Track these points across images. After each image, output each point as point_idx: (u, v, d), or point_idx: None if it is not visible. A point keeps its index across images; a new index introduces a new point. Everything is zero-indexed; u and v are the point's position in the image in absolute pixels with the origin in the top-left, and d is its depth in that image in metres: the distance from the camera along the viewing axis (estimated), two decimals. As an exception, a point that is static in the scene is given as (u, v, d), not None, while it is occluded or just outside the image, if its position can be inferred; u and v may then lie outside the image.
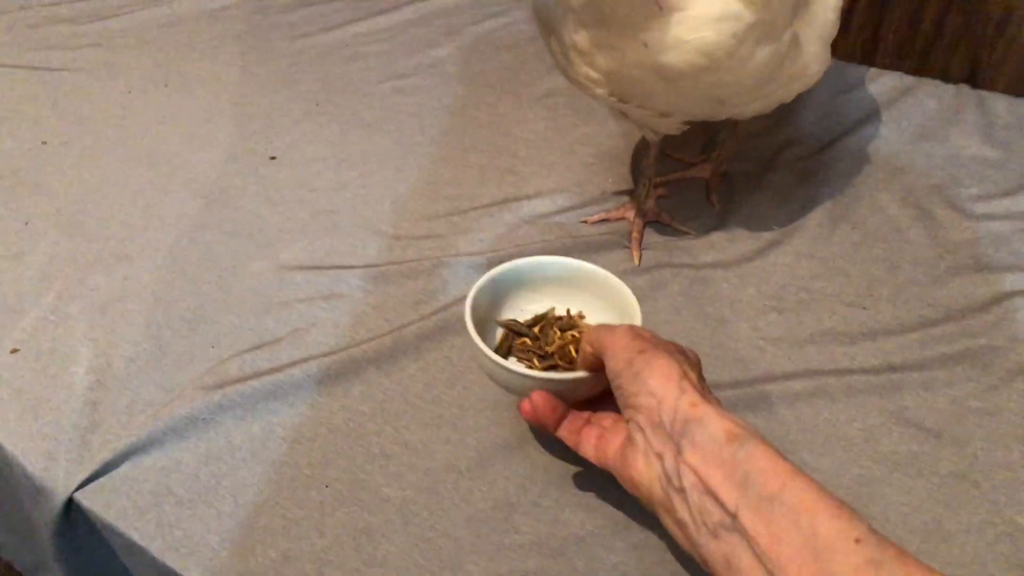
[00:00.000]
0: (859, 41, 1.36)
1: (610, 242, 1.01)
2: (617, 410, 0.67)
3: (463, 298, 0.92)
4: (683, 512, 0.56)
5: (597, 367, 0.67)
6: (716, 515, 0.54)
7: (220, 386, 0.84)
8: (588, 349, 0.67)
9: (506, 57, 1.36)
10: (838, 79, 1.25)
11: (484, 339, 0.73)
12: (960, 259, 0.96)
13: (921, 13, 1.29)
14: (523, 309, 0.82)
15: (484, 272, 0.95)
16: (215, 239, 1.04)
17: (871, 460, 0.76)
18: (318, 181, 1.12)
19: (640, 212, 1.02)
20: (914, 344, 0.86)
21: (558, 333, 0.79)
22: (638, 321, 0.74)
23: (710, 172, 1.09)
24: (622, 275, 0.94)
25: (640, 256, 0.98)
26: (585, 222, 1.04)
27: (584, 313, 0.81)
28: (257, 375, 0.86)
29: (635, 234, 1.00)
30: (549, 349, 0.77)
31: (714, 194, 1.07)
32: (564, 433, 0.70)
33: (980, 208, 1.02)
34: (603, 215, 1.05)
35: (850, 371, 0.84)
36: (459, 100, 1.27)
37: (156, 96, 1.31)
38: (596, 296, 0.80)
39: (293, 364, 0.87)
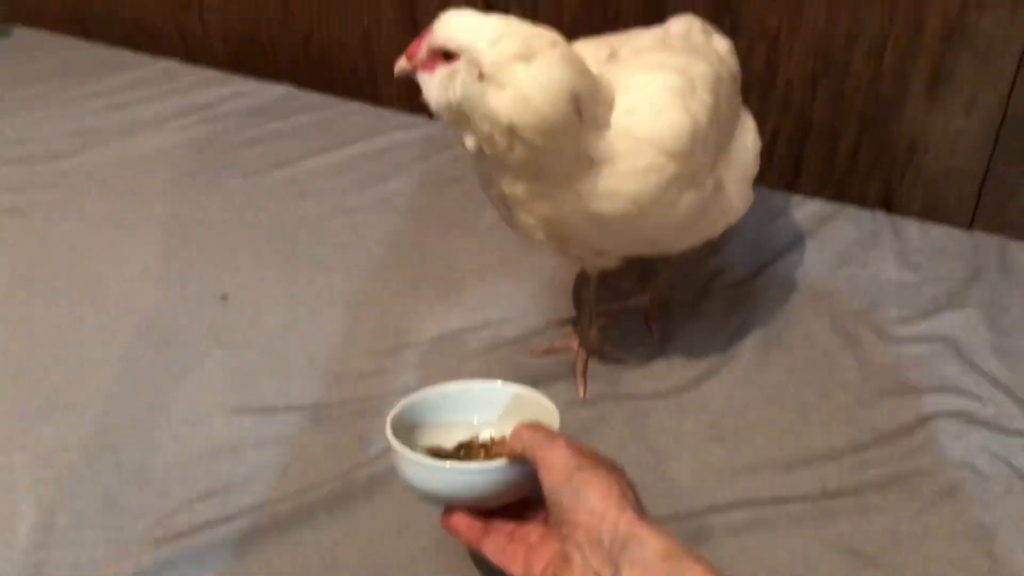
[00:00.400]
0: (783, 170, 1.45)
1: (556, 373, 1.04)
2: (540, 522, 0.69)
3: (412, 438, 0.94)
4: None
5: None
6: None
7: (169, 540, 0.84)
8: (518, 449, 0.67)
9: (453, 190, 1.42)
10: (764, 206, 1.33)
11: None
12: (885, 382, 1.01)
13: (837, 144, 1.39)
14: (447, 434, 0.80)
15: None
16: (164, 383, 1.05)
17: (812, 590, 0.79)
18: (268, 320, 1.15)
19: (584, 343, 1.06)
20: (846, 469, 0.90)
21: (483, 455, 0.77)
22: (556, 427, 0.73)
23: (648, 302, 1.14)
24: (568, 407, 0.98)
25: (585, 388, 1.01)
26: (532, 352, 1.08)
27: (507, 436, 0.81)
28: (208, 524, 0.86)
29: (580, 365, 1.04)
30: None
31: (653, 323, 1.12)
32: (489, 551, 0.70)
33: (901, 331, 1.08)
34: (549, 346, 1.09)
35: (788, 499, 0.87)
36: (408, 234, 1.32)
37: (109, 237, 1.33)
38: (518, 413, 0.79)
39: (243, 513, 0.87)
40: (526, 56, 0.75)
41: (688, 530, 0.84)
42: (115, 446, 0.96)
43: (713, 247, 1.24)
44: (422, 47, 0.77)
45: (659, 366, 1.05)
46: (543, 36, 0.77)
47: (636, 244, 0.91)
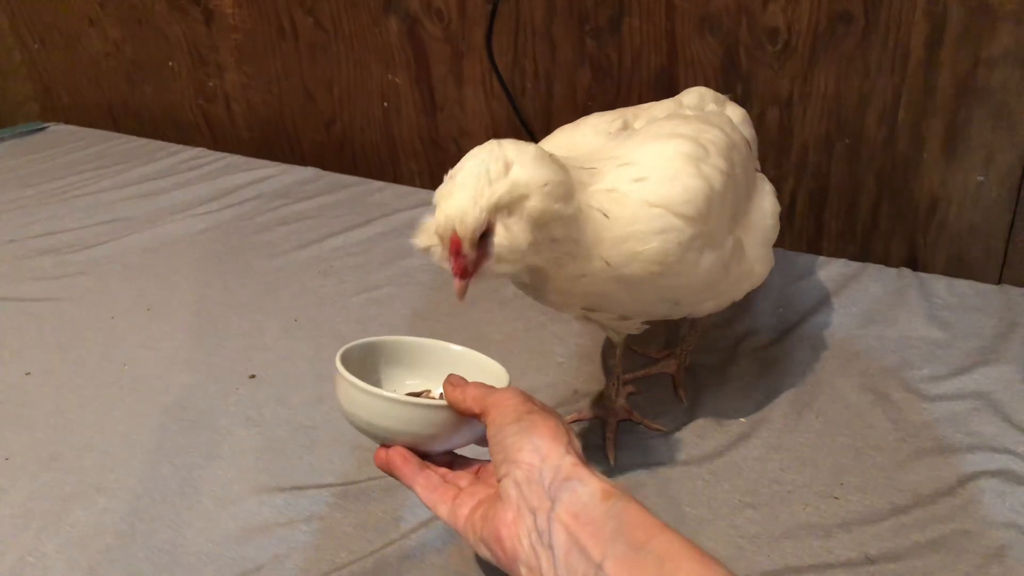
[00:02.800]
0: (804, 231, 1.46)
1: (585, 442, 1.03)
2: (471, 472, 0.71)
3: (443, 513, 0.93)
4: (548, 569, 0.57)
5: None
6: (581, 568, 0.55)
7: (200, 624, 0.83)
8: (468, 403, 0.69)
9: (475, 263, 1.43)
10: (788, 268, 1.33)
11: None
12: (921, 442, 0.99)
13: (856, 204, 1.40)
14: (398, 386, 0.82)
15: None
16: (195, 464, 1.05)
17: (860, 661, 0.76)
18: (296, 397, 1.15)
19: (612, 411, 1.05)
20: (888, 533, 0.88)
21: None
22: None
23: (675, 367, 1.13)
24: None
25: (615, 456, 1.00)
26: (559, 423, 1.07)
27: None
28: (238, 608, 0.85)
29: (609, 434, 1.03)
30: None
31: (680, 388, 1.11)
32: (420, 489, 0.72)
33: (934, 389, 1.06)
34: (576, 415, 1.08)
35: (829, 566, 0.84)
36: (432, 307, 1.33)
37: (138, 321, 1.35)
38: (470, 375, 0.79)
39: (274, 594, 0.86)
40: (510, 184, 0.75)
41: (728, 601, 0.81)
42: (146, 529, 0.96)
43: (738, 310, 1.24)
44: (463, 255, 0.75)
45: (689, 433, 1.04)
46: (505, 181, 0.75)
47: (661, 305, 0.91)
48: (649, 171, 0.84)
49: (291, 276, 1.45)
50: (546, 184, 0.76)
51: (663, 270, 0.84)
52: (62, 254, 1.56)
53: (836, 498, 0.93)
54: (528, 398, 0.67)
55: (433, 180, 1.79)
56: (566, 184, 0.79)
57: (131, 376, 1.23)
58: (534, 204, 0.76)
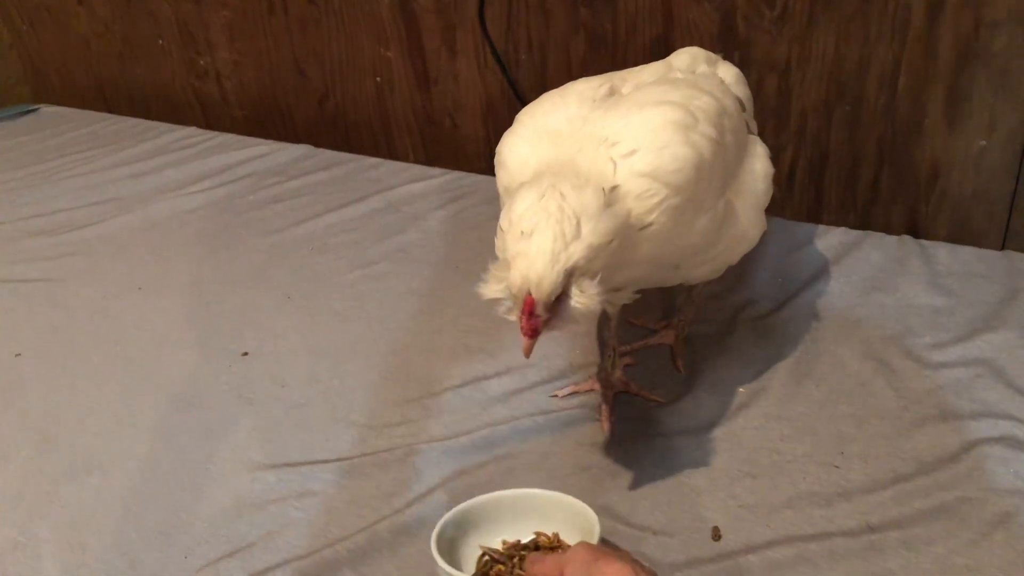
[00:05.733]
0: (804, 200, 1.43)
1: (581, 416, 1.02)
2: None
3: (437, 487, 0.93)
4: None
5: None
6: None
7: (192, 601, 0.82)
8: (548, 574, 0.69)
9: (470, 238, 1.42)
10: (787, 238, 1.31)
11: (461, 563, 0.78)
12: (924, 409, 0.97)
13: (857, 171, 1.37)
14: (496, 539, 0.82)
15: (457, 457, 0.96)
16: (187, 442, 1.04)
17: (862, 630, 0.75)
18: (290, 375, 1.14)
19: (608, 383, 1.04)
20: (890, 501, 0.86)
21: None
22: (597, 537, 0.76)
23: (673, 338, 1.12)
24: (595, 449, 0.95)
25: (611, 428, 0.99)
26: (555, 396, 1.05)
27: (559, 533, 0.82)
28: (231, 585, 0.84)
29: (605, 406, 1.01)
30: None
31: (678, 359, 1.09)
32: None
33: (936, 356, 1.04)
34: (572, 388, 1.06)
35: (830, 535, 0.83)
36: (427, 283, 1.31)
37: (130, 301, 1.34)
38: (560, 521, 0.82)
39: (267, 570, 0.85)
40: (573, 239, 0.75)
41: (726, 570, 0.80)
42: (139, 509, 0.95)
43: (737, 280, 1.22)
44: (536, 316, 0.75)
45: (687, 403, 1.02)
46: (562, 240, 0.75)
47: (660, 271, 0.90)
48: (638, 143, 0.82)
49: (285, 253, 1.43)
50: (612, 241, 0.77)
51: (665, 237, 0.83)
52: (53, 235, 1.54)
53: (837, 467, 0.91)
54: (596, 549, 0.67)
55: (427, 155, 1.78)
56: (623, 227, 0.79)
57: (123, 356, 1.21)
58: (603, 261, 0.76)
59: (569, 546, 0.80)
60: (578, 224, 0.75)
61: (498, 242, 0.79)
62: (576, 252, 0.74)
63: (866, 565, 0.80)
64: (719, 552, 0.83)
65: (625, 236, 0.79)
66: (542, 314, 0.75)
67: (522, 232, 0.75)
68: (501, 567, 0.79)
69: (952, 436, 0.93)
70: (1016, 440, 0.91)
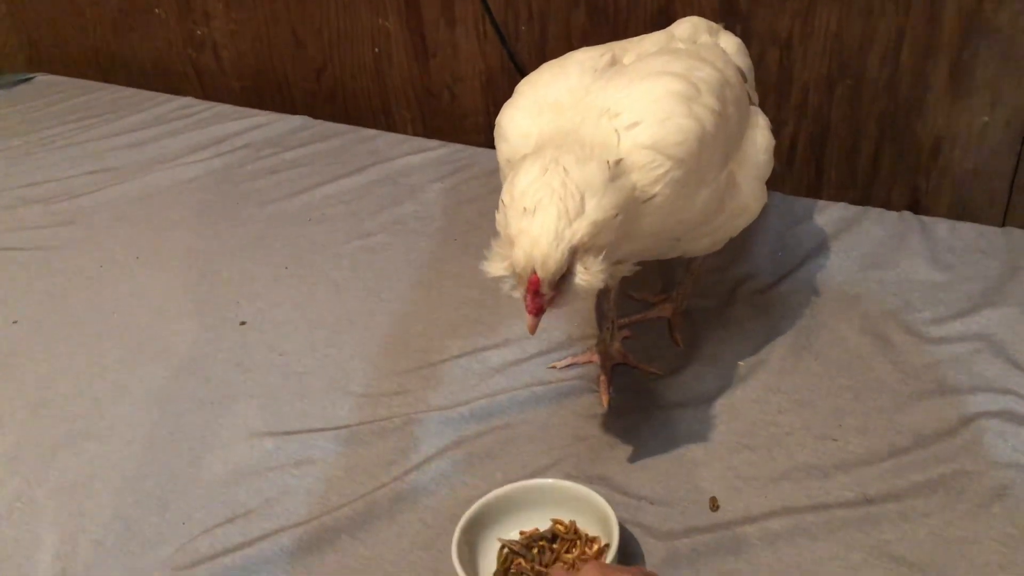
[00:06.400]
0: (804, 176, 1.43)
1: (579, 387, 1.02)
2: None
3: (435, 456, 0.93)
4: None
5: None
6: None
7: (190, 566, 0.82)
8: None
9: (468, 210, 1.41)
10: (787, 213, 1.31)
11: (480, 554, 0.80)
12: (923, 384, 0.97)
13: (858, 147, 1.37)
14: (514, 530, 0.83)
15: (455, 427, 0.96)
16: (185, 410, 1.04)
17: (857, 599, 0.75)
18: (287, 344, 1.13)
19: (606, 355, 1.04)
20: (887, 474, 0.86)
21: (550, 554, 0.80)
22: (615, 530, 0.77)
23: (672, 311, 1.12)
24: (593, 420, 0.96)
25: (610, 399, 0.99)
26: (554, 367, 1.05)
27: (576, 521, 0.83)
28: (228, 551, 0.84)
29: (603, 377, 1.01)
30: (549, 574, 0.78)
31: (677, 332, 1.09)
32: None
33: (936, 331, 1.04)
34: (571, 360, 1.06)
35: (827, 506, 0.83)
36: (425, 255, 1.31)
37: (127, 270, 1.33)
38: (576, 511, 0.83)
39: (265, 537, 0.85)
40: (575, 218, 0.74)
41: (723, 540, 0.81)
42: (136, 475, 0.95)
43: (736, 254, 1.22)
44: (541, 294, 0.75)
45: (686, 375, 1.02)
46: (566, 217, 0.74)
47: (661, 243, 0.90)
48: (641, 114, 0.82)
49: (282, 224, 1.42)
50: (616, 215, 0.76)
51: (670, 209, 0.83)
52: (50, 203, 1.53)
53: (835, 440, 0.91)
54: (607, 567, 0.67)
55: (426, 128, 1.77)
56: (628, 201, 0.78)
57: (120, 324, 1.21)
58: (608, 237, 0.76)
59: (587, 535, 0.81)
60: (582, 200, 0.74)
61: (499, 217, 0.78)
62: (580, 230, 0.73)
63: (862, 536, 0.80)
64: (716, 522, 0.83)
65: (629, 209, 0.78)
66: (547, 292, 0.75)
67: (525, 209, 0.74)
68: (521, 560, 0.80)
69: (950, 410, 0.93)
70: (1014, 414, 0.91)
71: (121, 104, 1.93)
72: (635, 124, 0.81)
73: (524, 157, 0.81)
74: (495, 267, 0.78)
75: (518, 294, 0.77)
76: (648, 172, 0.80)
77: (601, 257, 0.75)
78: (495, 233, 0.78)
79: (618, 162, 0.78)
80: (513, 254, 0.74)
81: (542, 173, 0.75)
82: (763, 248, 1.24)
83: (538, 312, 0.76)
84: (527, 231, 0.73)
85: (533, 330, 0.77)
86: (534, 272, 0.73)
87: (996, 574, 0.76)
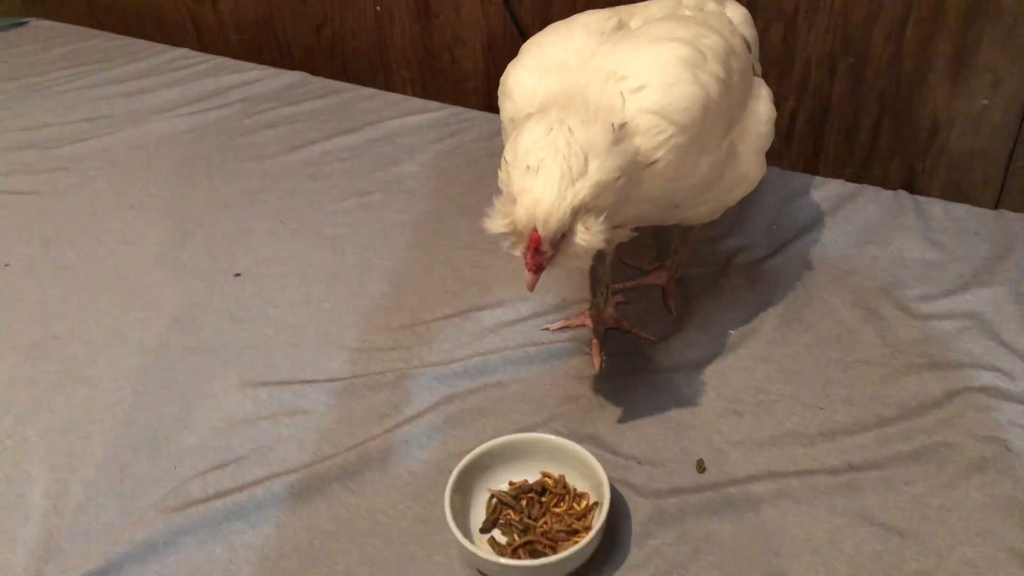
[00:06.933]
0: (802, 151, 1.43)
1: (571, 349, 1.03)
2: None
3: (427, 410, 0.94)
4: None
5: None
6: None
7: (182, 508, 0.83)
8: None
9: (466, 173, 1.41)
10: (783, 187, 1.31)
11: (471, 503, 0.81)
12: (910, 358, 0.99)
13: (857, 125, 1.37)
14: (505, 480, 0.85)
15: (448, 383, 0.97)
16: (178, 357, 1.04)
17: (838, 562, 0.77)
18: (282, 297, 1.14)
19: (600, 319, 1.05)
20: (872, 443, 0.88)
21: (538, 507, 0.82)
22: (606, 490, 0.78)
23: (666, 279, 1.12)
24: (584, 381, 0.96)
25: (601, 362, 1.00)
26: (547, 329, 1.06)
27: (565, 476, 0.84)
28: (220, 495, 0.85)
29: (595, 340, 1.02)
30: (537, 527, 0.80)
31: (670, 300, 1.10)
32: None
33: (925, 308, 1.06)
34: (564, 322, 1.07)
35: (811, 472, 0.85)
36: (422, 215, 1.31)
37: (122, 218, 1.32)
38: (566, 466, 0.84)
39: (257, 483, 0.86)
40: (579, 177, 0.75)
41: (708, 501, 0.82)
42: (129, 419, 0.95)
43: (731, 226, 1.22)
44: (542, 252, 0.75)
45: (677, 342, 1.03)
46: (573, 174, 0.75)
47: (661, 209, 0.90)
48: (647, 79, 0.82)
49: (278, 179, 1.41)
50: (619, 178, 0.76)
51: (673, 175, 0.83)
52: (44, 148, 1.51)
53: (822, 408, 0.93)
54: None
55: (425, 90, 1.76)
56: (631, 164, 0.78)
57: (114, 271, 1.20)
58: (609, 199, 0.76)
59: (576, 490, 0.83)
60: (586, 161, 0.74)
61: (502, 175, 0.78)
62: (583, 190, 0.74)
63: (845, 501, 0.82)
64: (703, 483, 0.84)
65: (631, 173, 0.79)
66: (547, 250, 0.75)
67: (528, 167, 0.74)
68: (510, 511, 0.81)
69: (936, 384, 0.95)
70: (999, 390, 0.93)
71: (116, 52, 1.90)
72: (641, 88, 0.81)
73: (528, 116, 0.81)
74: (496, 224, 0.78)
75: (518, 252, 0.77)
76: (652, 137, 0.81)
77: (602, 218, 0.76)
78: (494, 195, 0.79)
79: (622, 125, 0.79)
80: (515, 211, 0.75)
81: (547, 132, 0.76)
82: (758, 221, 1.24)
83: (538, 270, 0.76)
84: (530, 189, 0.74)
85: (532, 287, 0.78)
86: (535, 230, 0.74)
87: (973, 540, 0.78)
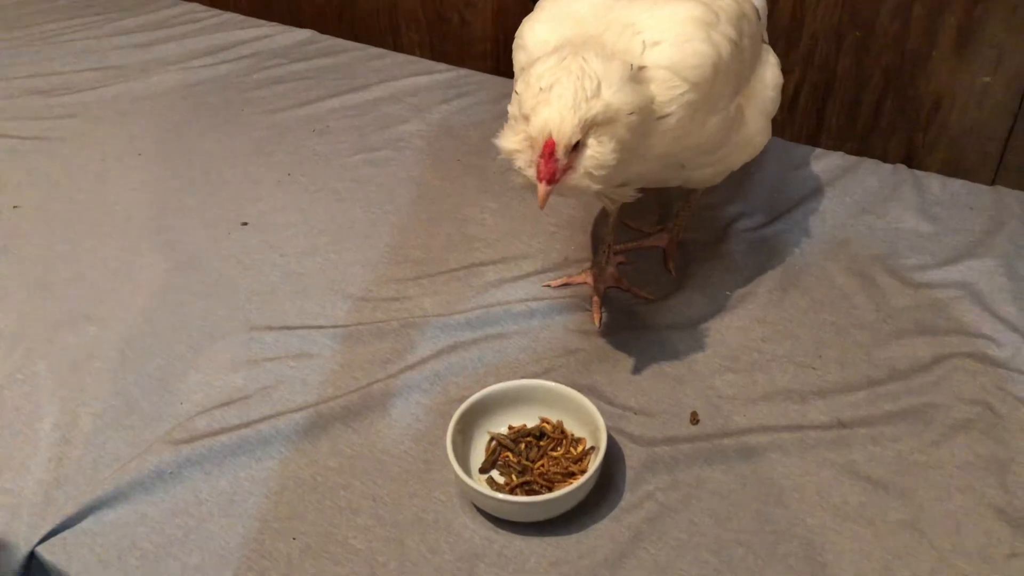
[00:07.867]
0: (805, 124, 1.45)
1: (572, 305, 1.05)
2: None
3: (430, 357, 0.96)
4: None
5: None
6: None
7: (188, 441, 0.85)
8: None
9: (472, 134, 1.42)
10: (786, 158, 1.33)
11: (471, 445, 0.84)
12: (902, 323, 1.01)
13: (860, 99, 1.38)
14: (504, 424, 0.87)
15: (450, 332, 0.99)
16: (186, 300, 1.06)
17: (823, 511, 0.79)
18: (289, 246, 1.15)
19: (601, 277, 1.07)
20: (861, 402, 0.91)
21: (536, 450, 0.84)
22: (603, 436, 0.81)
23: (667, 241, 1.14)
24: (584, 336, 0.99)
25: (601, 318, 1.02)
26: (548, 285, 1.08)
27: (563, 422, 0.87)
28: (225, 430, 0.87)
29: (596, 298, 1.04)
30: (535, 468, 0.82)
31: (671, 261, 1.12)
32: None
33: (919, 277, 1.08)
34: (565, 279, 1.09)
35: (802, 427, 0.87)
36: (427, 172, 1.32)
37: (130, 165, 1.34)
38: (565, 412, 0.87)
39: (262, 420, 0.88)
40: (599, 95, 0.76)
41: (701, 450, 0.85)
42: (136, 357, 0.97)
43: (732, 193, 1.24)
44: (556, 159, 0.76)
45: (676, 301, 1.05)
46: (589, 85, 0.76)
47: (667, 170, 0.92)
48: (663, 34, 0.83)
49: (286, 133, 1.43)
50: (631, 113, 0.77)
51: (682, 132, 0.85)
52: (52, 96, 1.52)
53: (814, 368, 0.95)
54: None
55: (434, 52, 1.76)
56: (645, 108, 0.79)
57: (122, 215, 1.22)
58: (621, 130, 0.77)
59: (573, 435, 0.85)
60: (599, 86, 0.75)
61: (512, 108, 0.79)
62: (595, 107, 0.75)
63: (833, 455, 0.85)
64: (696, 434, 0.87)
65: (644, 121, 0.80)
66: (562, 158, 0.76)
67: (541, 88, 0.75)
68: (509, 453, 0.83)
69: (926, 349, 0.97)
70: (986, 356, 0.95)
71: (125, 4, 1.90)
72: (656, 43, 0.83)
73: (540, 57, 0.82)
74: (509, 140, 0.79)
75: (531, 170, 0.77)
76: (666, 90, 0.82)
77: (614, 143, 0.77)
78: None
79: (642, 68, 0.80)
80: (530, 122, 0.76)
81: (560, 60, 0.77)
82: (760, 189, 1.26)
83: (551, 179, 0.76)
84: (545, 101, 0.75)
85: (543, 201, 0.77)
86: (550, 136, 0.75)
87: (953, 496, 0.80)
